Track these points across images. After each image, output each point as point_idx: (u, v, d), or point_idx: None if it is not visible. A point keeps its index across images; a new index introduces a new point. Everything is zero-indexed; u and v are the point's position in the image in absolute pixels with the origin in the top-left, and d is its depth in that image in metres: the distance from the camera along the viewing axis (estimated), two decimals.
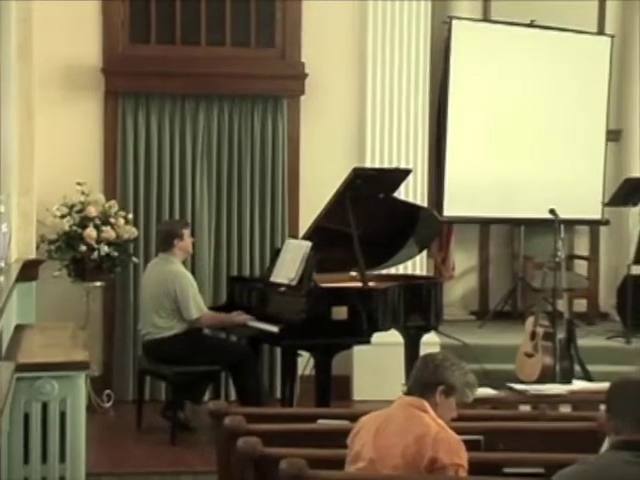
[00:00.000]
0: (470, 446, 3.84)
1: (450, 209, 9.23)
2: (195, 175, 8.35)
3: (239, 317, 7.20)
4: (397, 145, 8.58)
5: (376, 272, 7.57)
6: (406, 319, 7.19)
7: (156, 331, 7.24)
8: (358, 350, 7.74)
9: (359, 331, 6.83)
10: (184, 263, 7.56)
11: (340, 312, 6.74)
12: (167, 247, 7.40)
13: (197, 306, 7.23)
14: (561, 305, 8.12)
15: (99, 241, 7.72)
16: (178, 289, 7.20)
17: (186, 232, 7.49)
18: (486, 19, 9.83)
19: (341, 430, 4.22)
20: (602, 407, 3.35)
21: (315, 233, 7.17)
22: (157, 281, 7.30)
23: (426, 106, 8.69)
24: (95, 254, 7.71)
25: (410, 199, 8.18)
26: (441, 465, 3.67)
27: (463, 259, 9.98)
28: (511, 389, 6.66)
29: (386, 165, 8.36)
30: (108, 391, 8.03)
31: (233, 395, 7.72)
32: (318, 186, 7.91)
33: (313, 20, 8.45)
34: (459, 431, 3.86)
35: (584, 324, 9.42)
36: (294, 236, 7.95)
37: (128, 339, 8.23)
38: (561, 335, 7.85)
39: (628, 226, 9.24)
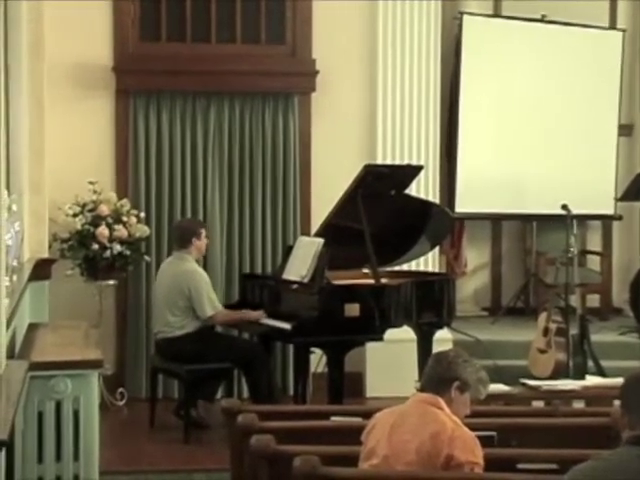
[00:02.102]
0: (483, 442, 3.84)
1: (462, 205, 9.21)
2: (207, 173, 8.36)
3: (252, 314, 7.21)
4: (408, 142, 8.57)
5: (388, 269, 7.57)
6: (419, 316, 7.18)
7: (169, 329, 7.25)
8: (371, 347, 7.73)
9: (371, 328, 6.83)
10: (197, 261, 7.56)
11: (352, 309, 6.74)
12: (184, 244, 7.39)
13: (211, 304, 7.23)
14: (574, 301, 8.10)
15: (111, 240, 7.73)
16: (192, 287, 7.20)
17: (203, 232, 7.50)
18: (497, 14, 9.80)
19: (354, 427, 4.22)
20: (616, 403, 3.35)
21: (327, 230, 7.17)
22: (171, 279, 7.30)
23: (437, 102, 8.68)
24: (107, 253, 7.72)
25: (422, 196, 8.17)
26: (457, 463, 3.67)
27: (475, 255, 9.96)
28: (524, 385, 6.66)
29: (397, 162, 8.35)
30: (121, 389, 8.05)
31: (246, 393, 7.73)
32: (329, 183, 7.91)
33: (323, 17, 8.44)
34: (472, 427, 3.86)
35: (597, 320, 9.41)
36: (306, 233, 7.96)
37: (141, 337, 8.24)
38: (574, 331, 7.83)
39: None
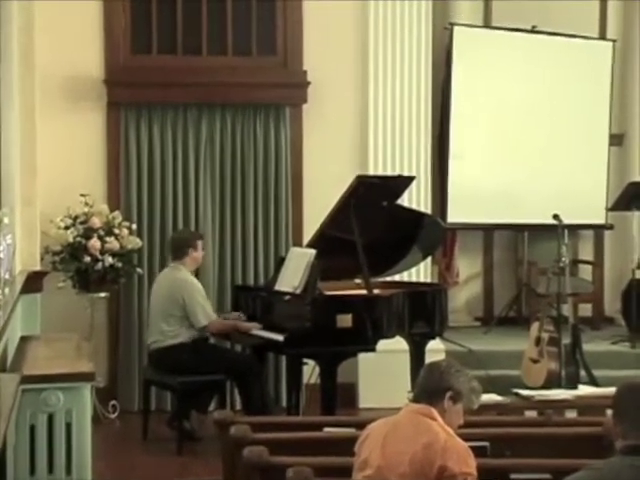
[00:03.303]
0: (477, 452, 3.84)
1: (454, 215, 9.23)
2: (198, 185, 8.35)
3: (246, 324, 7.21)
4: (400, 152, 8.58)
5: (380, 279, 7.57)
6: (411, 326, 7.19)
7: (162, 338, 7.24)
8: (363, 357, 7.72)
9: (364, 339, 6.82)
10: (192, 273, 7.56)
11: (345, 320, 6.73)
12: (180, 255, 7.41)
13: (205, 313, 7.23)
14: (566, 310, 8.11)
15: (103, 252, 7.72)
16: (186, 297, 7.21)
17: (200, 243, 7.52)
18: (487, 25, 9.83)
19: (347, 438, 4.21)
20: (609, 412, 3.35)
21: (319, 241, 7.17)
22: (166, 289, 7.32)
23: (429, 112, 8.69)
24: (99, 265, 7.71)
25: (414, 206, 8.18)
26: (451, 474, 3.67)
27: (467, 265, 9.97)
28: (517, 395, 6.65)
29: (389, 172, 8.36)
30: (113, 402, 8.03)
31: (238, 404, 7.72)
32: (321, 194, 7.91)
33: (314, 28, 8.45)
34: (465, 437, 3.86)
35: (589, 329, 9.41)
36: (298, 244, 7.96)
37: (133, 349, 8.23)
38: (566, 340, 7.84)
39: (632, 230, 9.22)
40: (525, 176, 9.47)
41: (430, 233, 7.59)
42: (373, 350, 6.96)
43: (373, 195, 7.12)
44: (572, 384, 7.29)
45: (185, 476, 6.53)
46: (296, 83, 8.44)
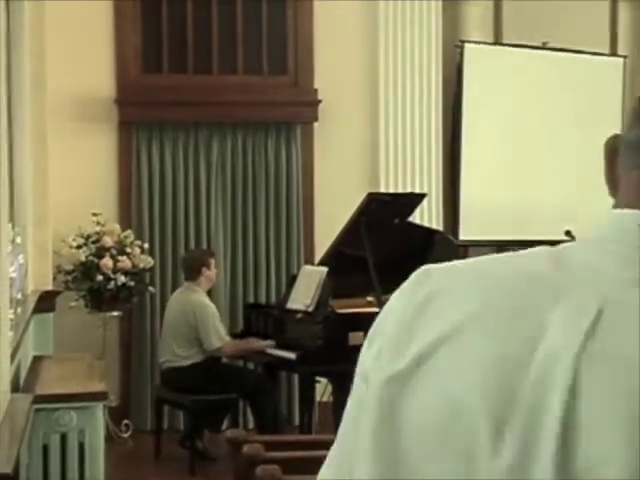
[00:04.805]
0: None
1: (465, 233, 9.21)
2: (210, 203, 8.37)
3: (259, 343, 7.20)
4: (411, 170, 8.58)
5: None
6: None
7: (174, 359, 7.24)
8: None
9: None
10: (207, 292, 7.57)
11: (357, 337, 6.73)
12: (193, 276, 7.41)
13: (218, 336, 7.22)
14: None
15: (115, 271, 7.73)
16: (199, 319, 7.20)
17: (212, 262, 7.52)
18: (498, 42, 9.83)
19: None
20: None
21: (331, 259, 7.17)
22: (179, 310, 7.32)
23: (439, 130, 8.70)
24: (112, 284, 7.71)
25: (425, 223, 8.18)
26: None
27: None
28: None
29: (400, 190, 8.36)
30: (126, 421, 8.02)
31: (251, 423, 7.71)
32: (333, 212, 7.91)
33: (325, 47, 8.48)
34: None
35: None
36: (310, 262, 7.96)
37: (145, 368, 8.23)
38: None
39: None
40: (537, 192, 9.46)
41: (442, 250, 7.58)
42: None
43: (384, 212, 7.12)
44: None
45: None
46: (307, 101, 8.46)
